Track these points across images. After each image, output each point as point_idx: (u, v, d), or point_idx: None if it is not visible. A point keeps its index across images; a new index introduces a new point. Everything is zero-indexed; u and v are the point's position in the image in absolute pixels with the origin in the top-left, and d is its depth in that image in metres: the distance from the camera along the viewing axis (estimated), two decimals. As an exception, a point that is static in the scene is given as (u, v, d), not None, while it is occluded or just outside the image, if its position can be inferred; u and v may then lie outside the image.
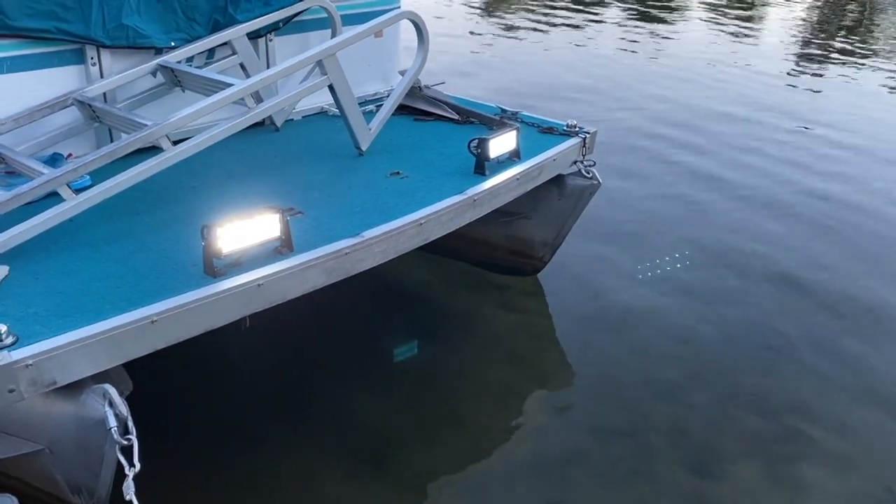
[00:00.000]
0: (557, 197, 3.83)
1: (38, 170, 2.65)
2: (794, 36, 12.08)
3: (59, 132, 3.11)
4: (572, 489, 2.85)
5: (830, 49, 11.19)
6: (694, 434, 3.15)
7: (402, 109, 3.88)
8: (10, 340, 2.01)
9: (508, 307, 4.02)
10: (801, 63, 10.13)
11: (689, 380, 3.49)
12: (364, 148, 3.47)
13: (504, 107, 4.05)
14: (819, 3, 15.37)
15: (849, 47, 11.32)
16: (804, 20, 13.68)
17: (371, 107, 3.91)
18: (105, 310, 2.19)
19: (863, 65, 10.17)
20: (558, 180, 3.76)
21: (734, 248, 4.74)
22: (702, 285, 4.30)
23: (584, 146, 3.73)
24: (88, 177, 2.80)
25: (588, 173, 3.73)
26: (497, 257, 4.13)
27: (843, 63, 10.24)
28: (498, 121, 3.84)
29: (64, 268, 2.44)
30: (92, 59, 3.16)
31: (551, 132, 3.81)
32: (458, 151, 3.50)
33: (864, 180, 5.99)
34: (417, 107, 4.04)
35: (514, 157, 3.43)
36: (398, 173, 3.28)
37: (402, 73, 3.85)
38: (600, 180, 3.73)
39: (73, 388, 2.09)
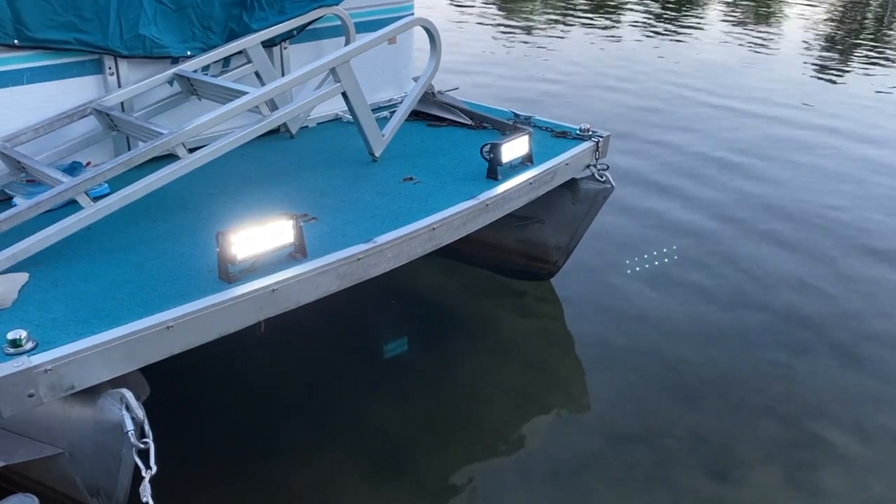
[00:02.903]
0: (571, 201, 3.82)
1: (57, 178, 2.69)
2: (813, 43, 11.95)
3: (78, 141, 3.16)
4: (589, 495, 2.83)
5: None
6: (712, 439, 3.12)
7: (415, 115, 3.90)
8: (29, 345, 2.04)
9: (524, 312, 4.01)
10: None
11: (707, 385, 3.46)
12: (377, 154, 3.49)
13: (517, 112, 4.05)
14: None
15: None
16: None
17: (385, 113, 3.93)
18: (122, 315, 2.22)
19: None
20: (572, 184, 3.75)
21: (751, 253, 4.70)
22: (719, 290, 4.26)
23: (597, 150, 3.72)
24: (107, 185, 2.84)
25: (602, 177, 3.72)
26: (511, 262, 4.13)
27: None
28: (511, 125, 3.85)
29: (83, 274, 2.47)
30: (110, 69, 3.22)
31: (564, 136, 3.81)
32: (471, 157, 3.51)
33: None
34: (430, 112, 4.06)
35: (526, 162, 3.43)
36: (411, 179, 3.30)
37: (416, 79, 3.86)
38: (614, 184, 3.72)
39: (91, 393, 2.12)
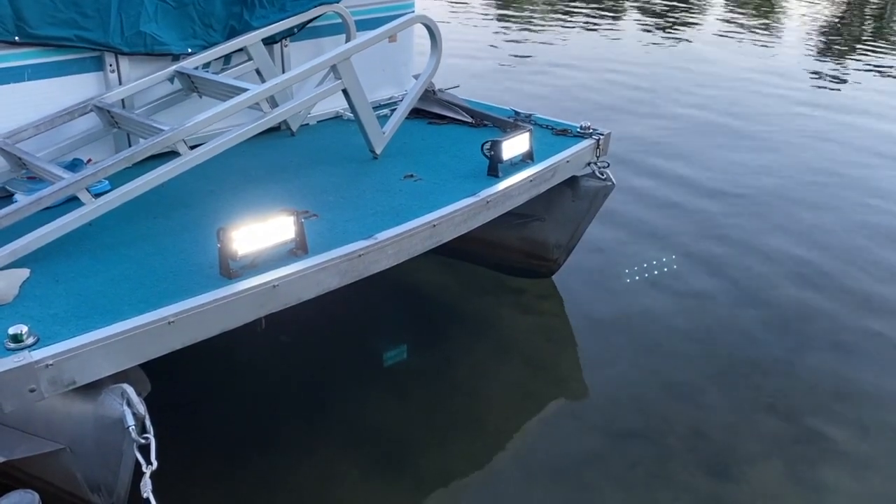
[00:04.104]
0: (571, 199, 3.82)
1: (58, 175, 2.70)
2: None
3: (79, 138, 3.17)
4: (589, 492, 2.83)
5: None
6: (712, 436, 3.12)
7: (415, 113, 3.91)
8: (30, 341, 2.04)
9: (524, 310, 4.01)
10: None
11: (707, 382, 3.46)
12: (378, 151, 3.49)
13: (518, 109, 4.06)
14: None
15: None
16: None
17: (385, 111, 3.93)
18: (123, 311, 2.22)
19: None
20: (572, 182, 3.75)
21: (752, 249, 4.70)
22: (719, 286, 4.26)
23: (598, 148, 3.73)
24: (107, 181, 2.85)
25: (602, 175, 3.73)
26: (511, 260, 4.13)
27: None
28: (511, 123, 3.85)
29: (83, 270, 2.48)
30: (111, 65, 3.22)
31: (565, 134, 3.81)
32: (471, 154, 3.51)
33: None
34: (431, 110, 4.06)
35: (527, 159, 3.43)
36: (412, 176, 3.30)
37: (416, 77, 3.87)
38: (614, 182, 3.72)
39: (92, 388, 2.12)
